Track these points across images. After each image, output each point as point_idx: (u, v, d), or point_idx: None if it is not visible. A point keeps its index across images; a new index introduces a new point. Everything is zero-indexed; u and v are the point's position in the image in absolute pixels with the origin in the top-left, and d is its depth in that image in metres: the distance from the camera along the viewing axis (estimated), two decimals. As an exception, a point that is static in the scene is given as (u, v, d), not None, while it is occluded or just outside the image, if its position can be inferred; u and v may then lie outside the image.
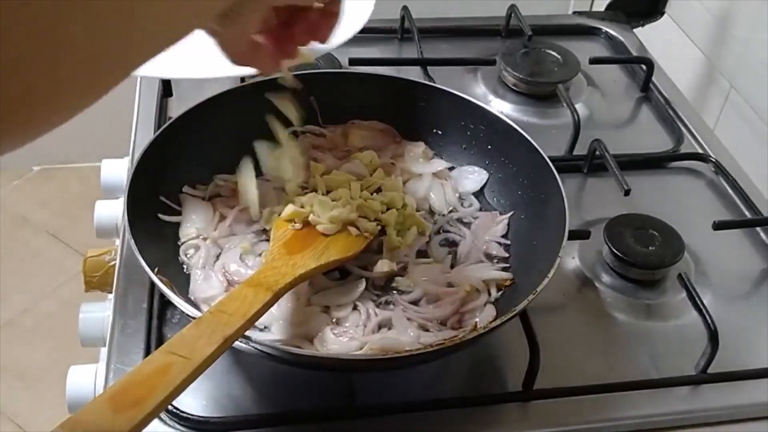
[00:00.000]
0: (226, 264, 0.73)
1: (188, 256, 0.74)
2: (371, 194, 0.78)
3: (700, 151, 0.99)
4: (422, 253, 0.76)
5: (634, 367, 0.74)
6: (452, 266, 0.75)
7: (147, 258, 0.65)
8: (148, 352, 0.69)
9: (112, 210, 0.92)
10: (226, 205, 0.78)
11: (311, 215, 0.73)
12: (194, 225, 0.75)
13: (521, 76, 1.04)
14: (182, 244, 0.75)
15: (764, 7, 1.06)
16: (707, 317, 0.73)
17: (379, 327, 0.69)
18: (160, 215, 0.75)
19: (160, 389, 0.49)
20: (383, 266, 0.73)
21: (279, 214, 0.75)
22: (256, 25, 0.55)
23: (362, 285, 0.72)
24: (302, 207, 0.74)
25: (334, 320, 0.69)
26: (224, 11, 0.50)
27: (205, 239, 0.75)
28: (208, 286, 0.71)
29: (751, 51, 1.09)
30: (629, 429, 0.70)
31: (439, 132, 0.86)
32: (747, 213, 0.91)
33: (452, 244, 0.78)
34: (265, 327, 0.68)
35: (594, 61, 1.07)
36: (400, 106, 0.86)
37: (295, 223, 0.73)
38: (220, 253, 0.74)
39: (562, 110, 0.99)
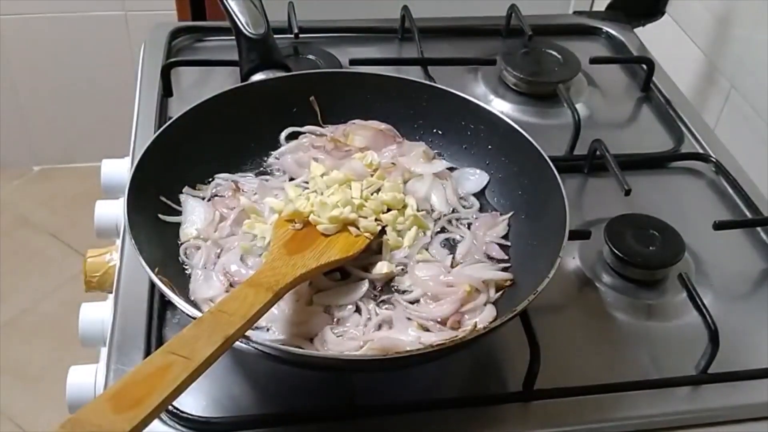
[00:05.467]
0: (227, 264, 0.72)
1: (188, 256, 0.74)
2: (372, 194, 0.78)
3: (700, 151, 0.99)
4: (422, 254, 0.76)
5: (634, 367, 0.74)
6: (452, 266, 0.75)
7: (147, 258, 0.65)
8: (148, 352, 0.69)
9: (112, 210, 0.92)
10: (226, 206, 0.77)
11: (311, 215, 0.73)
12: (194, 225, 0.75)
13: (522, 76, 1.04)
14: (182, 244, 0.74)
15: (764, 7, 1.06)
16: (708, 317, 0.73)
17: (380, 327, 0.69)
18: (160, 215, 0.75)
19: (160, 389, 0.49)
20: (383, 268, 0.73)
21: (279, 214, 0.75)
22: None
23: (365, 286, 0.71)
24: (302, 207, 0.74)
25: (335, 320, 0.69)
26: None
27: (205, 239, 0.75)
28: (208, 286, 0.71)
29: (751, 51, 1.09)
30: (629, 429, 0.70)
31: (440, 132, 0.86)
32: (747, 213, 0.91)
33: (452, 244, 0.78)
34: (266, 327, 0.68)
35: (594, 60, 1.07)
36: (400, 106, 0.86)
37: (295, 223, 0.73)
38: (220, 254, 0.74)
39: (563, 110, 0.99)
